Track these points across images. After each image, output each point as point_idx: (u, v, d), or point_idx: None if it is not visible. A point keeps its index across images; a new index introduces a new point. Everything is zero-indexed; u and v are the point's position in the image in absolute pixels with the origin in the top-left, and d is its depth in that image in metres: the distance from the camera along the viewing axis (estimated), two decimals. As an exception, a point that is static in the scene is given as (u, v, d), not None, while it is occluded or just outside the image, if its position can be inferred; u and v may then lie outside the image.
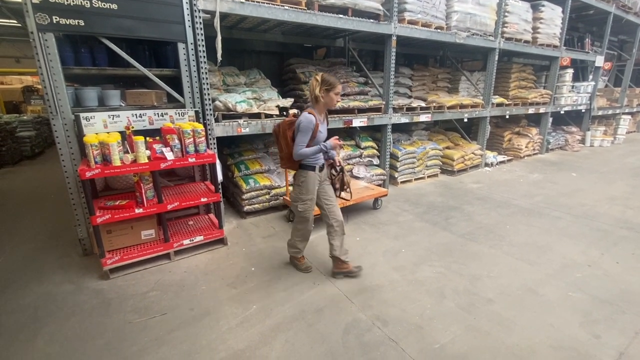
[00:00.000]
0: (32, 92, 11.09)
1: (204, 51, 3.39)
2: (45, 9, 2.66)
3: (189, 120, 3.37)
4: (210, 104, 3.55)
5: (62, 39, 3.02)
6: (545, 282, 2.80)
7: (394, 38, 4.77)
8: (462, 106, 6.14)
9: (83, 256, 3.25)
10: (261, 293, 2.67)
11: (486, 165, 6.86)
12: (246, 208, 4.11)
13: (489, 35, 6.02)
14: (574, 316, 2.39)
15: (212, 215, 3.78)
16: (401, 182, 5.61)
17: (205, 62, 3.43)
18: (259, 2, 3.59)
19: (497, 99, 6.89)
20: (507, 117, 7.30)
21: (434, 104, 5.85)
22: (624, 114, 10.08)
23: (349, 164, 5.10)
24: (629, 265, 3.06)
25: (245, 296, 2.64)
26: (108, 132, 2.87)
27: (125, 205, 2.88)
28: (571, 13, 7.46)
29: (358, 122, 4.73)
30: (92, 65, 3.17)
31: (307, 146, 2.50)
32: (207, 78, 3.48)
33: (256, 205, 4.17)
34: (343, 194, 2.97)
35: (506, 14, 6.21)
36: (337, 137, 2.63)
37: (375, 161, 5.38)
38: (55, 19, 2.70)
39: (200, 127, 3.08)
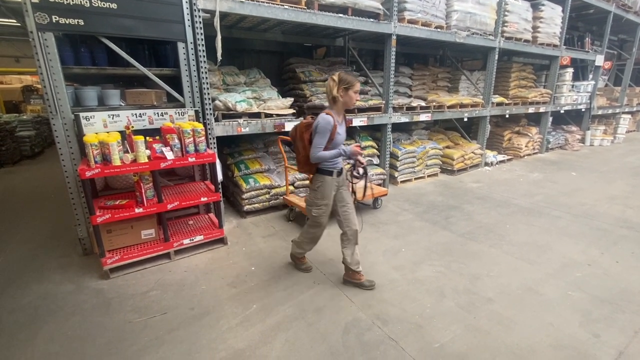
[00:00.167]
0: (32, 91, 11.07)
1: (203, 51, 3.38)
2: (45, 9, 2.65)
3: (189, 120, 3.37)
4: (210, 104, 3.55)
5: (62, 38, 3.02)
6: (545, 282, 2.80)
7: (394, 37, 4.77)
8: (462, 105, 6.14)
9: (83, 256, 3.25)
10: (261, 292, 2.68)
11: (486, 164, 6.86)
12: (246, 207, 4.11)
13: (489, 35, 6.02)
14: (573, 315, 2.39)
15: (212, 215, 3.78)
16: (401, 182, 5.61)
17: (205, 61, 3.43)
18: (258, 1, 3.58)
19: (497, 99, 6.89)
20: (507, 116, 7.30)
21: (434, 103, 5.84)
22: (623, 113, 10.08)
23: (348, 163, 5.10)
24: (629, 265, 3.07)
25: (245, 295, 2.64)
26: (108, 132, 2.87)
27: (125, 204, 2.88)
28: (571, 12, 7.46)
29: (358, 121, 4.73)
30: (92, 65, 3.17)
31: (325, 149, 2.39)
32: (206, 77, 3.48)
33: (256, 205, 4.17)
34: (361, 198, 2.83)
35: (506, 13, 6.20)
36: (358, 144, 2.55)
37: (375, 160, 5.38)
38: (55, 18, 2.70)
39: (200, 126, 3.08)
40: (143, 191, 2.92)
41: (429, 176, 5.98)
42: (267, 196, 4.23)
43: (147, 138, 2.93)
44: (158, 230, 3.18)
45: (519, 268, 3.03)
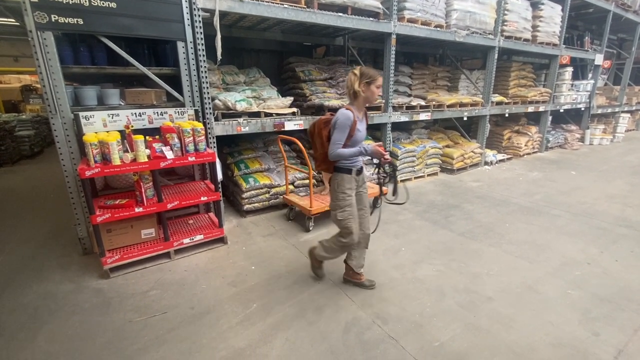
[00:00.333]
0: (31, 91, 11.05)
1: (203, 50, 3.38)
2: (44, 8, 2.65)
3: (189, 119, 3.36)
4: (209, 103, 3.54)
5: (61, 37, 3.01)
6: (545, 280, 2.81)
7: (394, 36, 4.77)
8: (461, 105, 6.15)
9: (83, 255, 3.24)
10: (261, 291, 2.68)
11: (486, 163, 6.87)
12: (246, 207, 4.11)
13: (489, 34, 6.01)
14: (573, 314, 2.40)
15: (212, 214, 3.78)
16: (401, 181, 5.61)
17: (204, 60, 3.42)
18: (258, 0, 3.58)
19: (497, 98, 6.89)
20: (507, 115, 7.30)
21: (434, 102, 5.84)
22: (623, 112, 10.09)
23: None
24: (628, 263, 3.07)
25: (246, 295, 2.64)
26: (107, 131, 2.87)
27: (125, 204, 2.88)
28: (571, 11, 7.46)
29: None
30: (91, 64, 3.17)
31: (344, 146, 2.28)
32: (206, 77, 3.47)
33: (256, 204, 4.17)
34: (392, 198, 2.63)
35: (506, 12, 6.20)
36: (381, 143, 2.44)
37: (375, 160, 5.37)
38: (54, 17, 2.70)
39: (199, 126, 3.08)
40: (143, 190, 2.91)
41: (428, 175, 5.99)
42: (267, 195, 4.23)
43: (147, 137, 2.93)
44: (158, 230, 3.18)
45: (518, 267, 3.03)
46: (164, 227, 3.09)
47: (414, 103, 5.57)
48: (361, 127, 2.35)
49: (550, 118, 8.17)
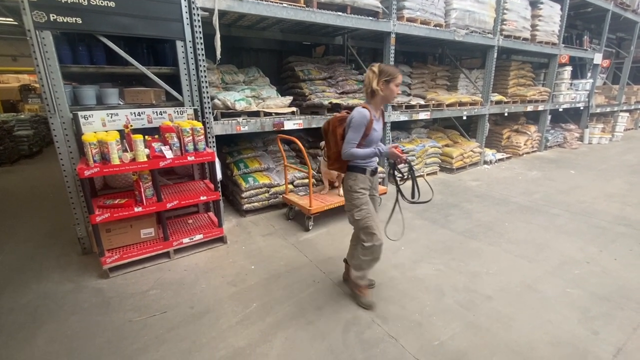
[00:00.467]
0: (30, 90, 11.02)
1: (202, 49, 3.37)
2: (42, 7, 2.64)
3: (188, 119, 3.36)
4: (209, 102, 3.54)
5: (60, 37, 3.00)
6: (544, 279, 2.81)
7: (393, 36, 4.76)
8: (461, 104, 6.15)
9: (82, 255, 3.24)
10: (261, 291, 2.68)
11: (485, 163, 6.87)
12: (245, 206, 4.11)
13: (488, 33, 6.01)
14: (572, 313, 2.40)
15: (211, 214, 3.78)
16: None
17: (203, 60, 3.42)
18: (257, -1, 3.57)
19: (496, 97, 6.89)
20: (506, 114, 7.31)
21: (433, 101, 5.84)
22: (622, 111, 10.10)
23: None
24: (627, 262, 3.08)
25: (245, 294, 2.64)
26: (107, 131, 2.86)
27: (124, 203, 2.88)
28: (570, 10, 7.46)
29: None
30: (90, 64, 3.16)
31: (359, 146, 2.21)
32: (205, 76, 3.47)
33: (255, 204, 4.17)
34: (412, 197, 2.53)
35: (505, 11, 6.20)
36: (397, 145, 2.41)
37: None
38: (53, 16, 2.69)
39: (199, 125, 3.07)
40: (142, 190, 2.91)
41: (428, 174, 5.99)
42: (266, 195, 4.22)
43: (146, 137, 2.93)
44: (157, 229, 3.17)
45: (518, 266, 3.04)
46: (164, 226, 3.09)
47: (413, 102, 5.56)
48: (377, 127, 2.27)
49: (549, 117, 8.18)
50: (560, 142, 8.76)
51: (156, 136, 3.11)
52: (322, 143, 4.05)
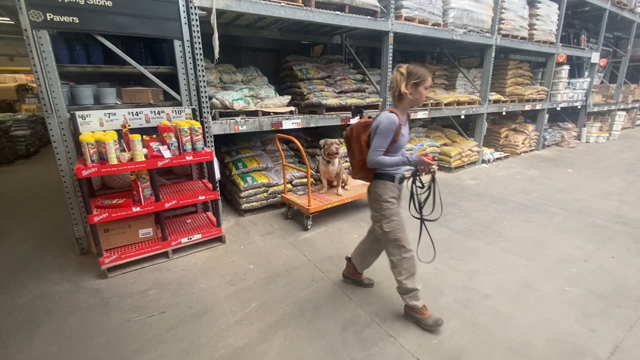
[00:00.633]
0: (27, 90, 10.98)
1: (200, 48, 3.37)
2: (39, 6, 2.63)
3: (186, 118, 3.35)
4: (207, 102, 3.53)
5: (57, 36, 2.99)
6: (542, 277, 2.82)
7: (391, 35, 4.76)
8: (459, 103, 6.16)
9: (80, 255, 3.23)
10: (260, 290, 2.68)
11: (483, 161, 6.89)
12: (244, 206, 4.10)
13: (486, 32, 6.03)
14: (570, 310, 2.41)
15: (210, 214, 3.78)
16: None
17: (201, 59, 3.41)
18: (255, -2, 3.57)
19: (494, 96, 6.91)
20: (504, 113, 7.33)
21: (431, 100, 5.85)
22: (619, 110, 10.15)
23: (346, 161, 5.11)
24: (624, 260, 3.09)
25: (244, 294, 2.64)
26: (104, 131, 2.86)
27: (122, 203, 2.87)
28: (567, 9, 7.49)
29: (356, 119, 4.73)
30: (87, 63, 3.15)
31: (386, 152, 2.09)
32: (203, 75, 3.46)
33: (254, 203, 4.17)
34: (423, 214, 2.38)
35: (503, 10, 6.22)
36: (428, 153, 2.25)
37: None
38: (50, 16, 2.68)
39: (197, 124, 3.07)
40: (140, 190, 2.90)
41: (426, 174, 5.99)
42: (265, 194, 4.22)
43: (144, 137, 2.92)
44: (156, 229, 3.17)
45: (516, 264, 3.05)
46: (162, 226, 3.08)
47: (411, 101, 5.56)
48: (405, 132, 2.16)
49: (547, 116, 8.22)
50: (557, 141, 8.79)
51: (154, 136, 3.11)
52: (322, 142, 4.05)
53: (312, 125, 4.38)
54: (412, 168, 2.24)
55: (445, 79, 7.21)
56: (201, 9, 3.31)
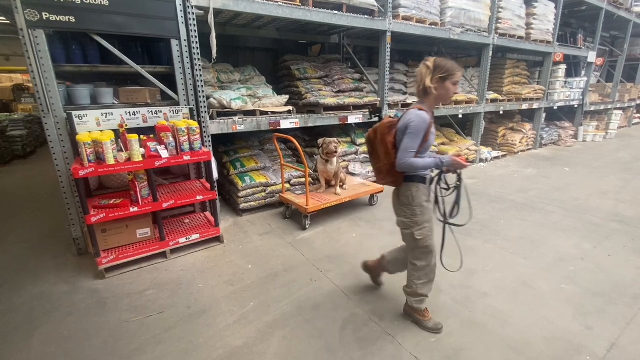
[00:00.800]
0: (23, 90, 10.90)
1: (197, 48, 3.36)
2: (35, 6, 2.61)
3: (184, 118, 3.34)
4: (204, 102, 3.52)
5: (53, 36, 2.97)
6: (539, 276, 2.84)
7: (389, 34, 4.77)
8: (456, 102, 6.17)
9: (78, 256, 3.22)
10: (258, 290, 2.68)
11: (481, 160, 6.91)
12: (242, 206, 4.10)
13: (483, 32, 6.04)
14: (567, 308, 2.43)
15: (208, 214, 3.77)
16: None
17: (199, 59, 3.40)
18: (252, -2, 3.56)
19: (492, 95, 6.93)
20: (501, 112, 7.35)
21: (429, 100, 5.85)
22: (615, 109, 10.20)
23: (344, 160, 5.11)
24: (621, 258, 3.11)
25: (243, 294, 2.64)
26: (101, 131, 2.84)
27: (120, 204, 2.86)
28: (564, 9, 7.51)
29: (354, 118, 4.73)
30: (84, 63, 3.13)
31: (416, 154, 1.94)
32: (201, 75, 3.45)
33: (252, 203, 4.16)
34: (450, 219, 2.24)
35: (500, 9, 6.23)
36: (460, 152, 2.07)
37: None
38: (45, 15, 2.66)
39: (195, 124, 3.06)
40: (138, 190, 2.89)
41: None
42: (263, 194, 4.22)
43: (142, 136, 2.91)
44: (154, 229, 3.16)
45: (513, 263, 3.06)
46: (160, 226, 3.08)
47: (409, 101, 5.58)
48: (433, 130, 2.01)
49: (544, 115, 8.24)
50: (555, 140, 8.83)
51: (152, 136, 3.10)
52: (320, 141, 4.05)
53: (310, 124, 4.38)
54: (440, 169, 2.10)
55: (443, 78, 7.21)
56: (198, 8, 3.30)
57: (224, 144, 4.61)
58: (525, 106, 7.48)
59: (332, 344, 2.12)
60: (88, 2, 2.79)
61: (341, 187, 4.26)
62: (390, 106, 5.27)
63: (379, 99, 5.09)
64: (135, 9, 3.00)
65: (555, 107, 8.42)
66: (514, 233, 3.65)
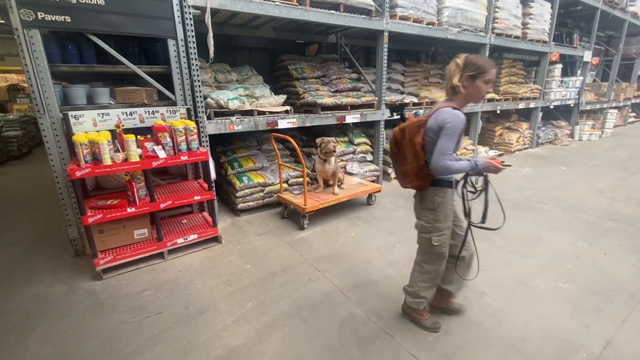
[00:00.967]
0: (18, 90, 10.83)
1: (194, 48, 3.35)
2: (30, 5, 2.59)
3: (181, 118, 3.33)
4: (201, 102, 3.51)
5: (48, 35, 2.95)
6: (536, 274, 2.85)
7: (386, 34, 4.77)
8: (453, 102, 6.18)
9: (74, 257, 3.20)
10: (256, 290, 2.67)
11: (478, 160, 6.93)
12: (240, 206, 4.09)
13: (480, 31, 6.06)
14: (564, 306, 2.44)
15: (205, 214, 3.76)
16: (394, 178, 5.64)
17: (196, 58, 3.39)
18: (249, -3, 3.55)
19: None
20: (498, 112, 7.37)
21: (426, 99, 5.88)
22: (611, 108, 10.27)
23: (342, 160, 5.11)
24: (616, 256, 3.14)
25: (241, 294, 2.63)
26: (98, 131, 2.83)
27: (117, 204, 2.85)
28: (560, 9, 7.55)
29: (351, 118, 4.73)
30: (80, 63, 3.11)
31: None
32: (198, 75, 3.44)
33: (250, 203, 4.16)
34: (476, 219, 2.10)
35: (496, 9, 6.26)
36: (494, 156, 1.94)
37: (369, 157, 5.39)
38: (41, 15, 2.64)
39: (192, 124, 3.05)
40: (135, 190, 2.88)
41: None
42: (261, 194, 4.21)
43: (139, 137, 2.90)
44: (151, 230, 3.14)
45: (511, 261, 3.08)
46: (157, 227, 3.07)
47: (406, 100, 5.59)
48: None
49: (540, 114, 8.28)
50: (551, 138, 8.88)
51: (148, 136, 3.08)
52: (318, 140, 4.04)
53: (307, 124, 4.37)
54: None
55: (440, 77, 7.23)
56: (195, 7, 3.29)
57: (221, 144, 4.59)
58: (521, 105, 7.51)
59: (330, 344, 2.12)
60: (84, 1, 2.77)
61: (339, 186, 4.26)
62: (388, 105, 5.27)
63: (377, 98, 5.09)
64: (132, 9, 2.99)
65: (551, 106, 8.46)
66: (512, 232, 3.67)
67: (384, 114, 5.14)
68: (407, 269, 2.93)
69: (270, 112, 4.12)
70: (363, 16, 4.49)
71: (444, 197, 1.96)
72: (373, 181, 5.16)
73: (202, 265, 3.05)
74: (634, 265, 2.97)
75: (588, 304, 2.47)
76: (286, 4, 3.80)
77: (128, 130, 2.97)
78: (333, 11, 4.19)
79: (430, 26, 5.27)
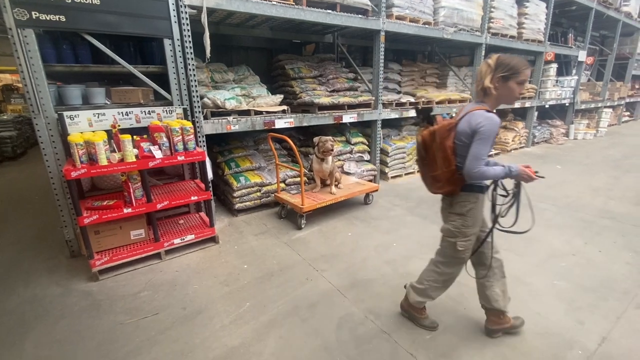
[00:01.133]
0: (12, 90, 10.72)
1: (191, 47, 3.33)
2: (24, 4, 2.57)
3: (177, 118, 3.32)
4: (198, 101, 3.50)
5: (43, 35, 2.93)
6: (532, 272, 2.88)
7: (383, 34, 4.78)
8: (450, 101, 6.21)
9: (70, 258, 3.18)
10: (254, 290, 2.67)
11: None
12: (237, 206, 4.08)
13: (476, 31, 6.09)
14: (559, 304, 2.47)
15: (202, 214, 3.75)
16: (392, 177, 5.65)
17: (192, 58, 3.38)
18: (246, -3, 3.54)
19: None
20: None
21: (423, 99, 5.90)
22: (605, 107, 10.36)
23: (339, 159, 5.12)
24: (611, 254, 3.17)
25: (238, 294, 2.63)
26: (93, 131, 2.81)
27: (113, 205, 2.83)
28: (555, 9, 7.61)
29: (348, 118, 4.74)
30: (75, 63, 3.09)
31: None
32: (194, 75, 3.43)
33: (247, 203, 4.15)
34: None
35: (492, 9, 6.29)
36: (528, 165, 1.93)
37: (366, 157, 5.40)
38: (35, 14, 2.62)
39: (188, 124, 3.04)
40: (131, 191, 2.87)
41: (419, 171, 6.03)
42: (258, 194, 4.21)
43: (135, 137, 2.89)
44: (148, 230, 3.13)
45: (507, 259, 3.04)
46: (154, 227, 3.05)
47: (403, 100, 5.61)
48: None
49: (536, 114, 8.34)
50: (546, 138, 8.94)
51: (145, 136, 3.07)
52: (316, 139, 4.04)
53: (304, 124, 4.37)
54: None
55: (437, 77, 7.27)
56: (191, 7, 3.27)
57: (218, 144, 4.58)
58: (517, 105, 7.55)
59: (328, 343, 2.12)
60: (79, 1, 2.76)
61: (336, 186, 4.27)
62: (385, 105, 5.28)
63: (373, 98, 5.10)
64: (127, 8, 2.97)
65: (546, 106, 8.52)
66: (507, 230, 3.69)
67: (380, 114, 5.16)
68: (404, 267, 2.96)
69: (267, 112, 4.12)
70: (360, 16, 4.50)
71: (475, 203, 1.91)
72: (370, 181, 5.17)
73: (200, 266, 3.04)
74: (628, 263, 3.00)
75: (583, 301, 2.49)
76: (283, 3, 3.80)
77: (124, 131, 2.95)
78: (330, 11, 4.20)
79: (426, 26, 5.29)
